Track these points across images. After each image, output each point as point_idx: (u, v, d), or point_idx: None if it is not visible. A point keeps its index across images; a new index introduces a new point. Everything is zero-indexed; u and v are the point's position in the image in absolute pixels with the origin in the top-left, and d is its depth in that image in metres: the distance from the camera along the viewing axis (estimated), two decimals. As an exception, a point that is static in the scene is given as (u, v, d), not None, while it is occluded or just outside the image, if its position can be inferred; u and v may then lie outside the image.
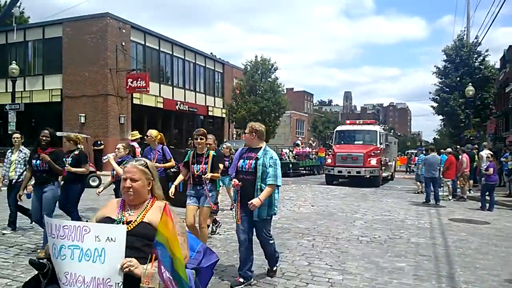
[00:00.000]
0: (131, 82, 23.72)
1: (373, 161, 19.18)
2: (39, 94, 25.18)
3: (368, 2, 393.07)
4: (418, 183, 17.75)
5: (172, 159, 7.76)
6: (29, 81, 25.63)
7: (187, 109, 30.10)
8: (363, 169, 19.07)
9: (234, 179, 5.02)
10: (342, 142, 21.17)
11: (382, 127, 22.33)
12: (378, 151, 19.99)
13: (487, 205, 12.54)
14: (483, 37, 47.20)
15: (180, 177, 6.49)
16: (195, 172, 6.17)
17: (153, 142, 7.81)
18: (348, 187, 18.64)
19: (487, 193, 12.74)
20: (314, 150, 31.10)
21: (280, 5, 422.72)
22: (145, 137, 7.96)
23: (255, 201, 4.79)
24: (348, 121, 24.50)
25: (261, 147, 5.07)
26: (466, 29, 28.21)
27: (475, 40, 26.93)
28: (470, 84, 22.52)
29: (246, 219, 5.04)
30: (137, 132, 14.43)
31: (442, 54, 28.20)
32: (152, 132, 7.87)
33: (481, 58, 27.12)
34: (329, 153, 21.58)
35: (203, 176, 6.04)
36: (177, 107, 28.89)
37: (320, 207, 12.19)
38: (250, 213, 4.96)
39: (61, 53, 24.49)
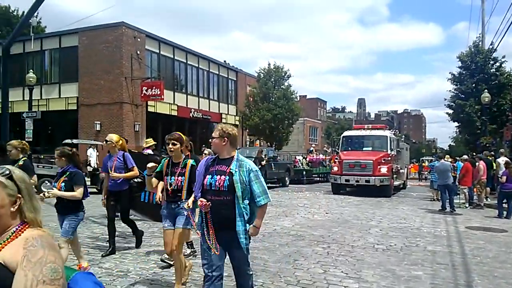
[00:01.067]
0: (146, 90, 23.96)
1: (384, 169, 17.81)
2: (56, 102, 25.55)
3: (383, 9, 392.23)
4: (433, 190, 17.62)
5: (136, 168, 6.72)
6: (46, 90, 26.03)
7: (201, 116, 30.27)
8: (373, 177, 17.66)
9: (201, 199, 3.71)
10: (350, 148, 19.83)
11: (393, 132, 21.27)
12: (389, 158, 18.65)
13: (505, 213, 12.36)
14: (499, 43, 46.73)
15: (162, 184, 5.19)
16: (169, 187, 5.01)
17: (113, 148, 6.86)
18: (357, 197, 17.51)
19: (504, 201, 12.56)
20: (328, 157, 30.98)
21: (294, 13, 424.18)
22: (105, 142, 7.02)
23: (253, 231, 3.82)
24: (356, 126, 23.25)
25: (233, 157, 3.86)
26: (481, 35, 27.95)
27: (491, 47, 26.65)
28: (486, 90, 22.25)
29: (221, 250, 3.79)
30: (151, 139, 14.56)
31: (457, 60, 27.93)
32: (112, 137, 6.98)
33: (498, 64, 26.79)
34: (336, 160, 19.98)
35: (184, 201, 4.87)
36: (191, 115, 29.08)
37: (334, 214, 12.12)
38: (225, 243, 3.78)
39: (77, 61, 24.86)
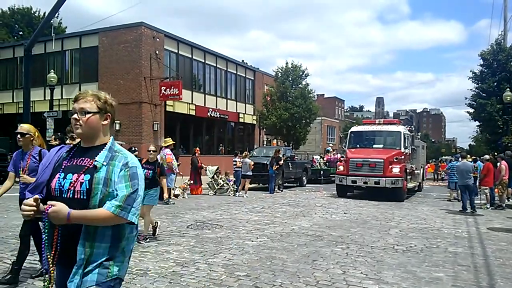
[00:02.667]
0: (165, 90, 24.13)
1: (396, 169, 15.89)
2: (76, 102, 25.87)
3: (403, 7, 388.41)
4: (451, 190, 17.40)
5: None
6: (66, 89, 26.40)
7: (219, 116, 30.37)
8: (383, 178, 15.78)
9: (50, 202, 2.23)
10: (358, 145, 17.82)
11: (408, 128, 19.07)
12: (402, 157, 16.70)
13: (528, 214, 12.12)
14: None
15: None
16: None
17: (28, 143, 5.17)
18: (365, 200, 15.81)
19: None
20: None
21: (313, 11, 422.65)
22: (19, 136, 5.15)
23: (54, 215, 2.19)
24: (365, 121, 21.12)
25: (105, 144, 2.45)
26: (503, 33, 27.48)
27: (513, 44, 26.18)
28: (508, 89, 21.85)
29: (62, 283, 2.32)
30: (170, 139, 14.76)
31: (479, 58, 27.51)
32: (28, 128, 5.22)
33: (520, 62, 26.30)
34: (342, 158, 18.13)
35: None
36: (208, 114, 29.19)
37: (353, 214, 12.03)
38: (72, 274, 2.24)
39: (97, 61, 25.17)
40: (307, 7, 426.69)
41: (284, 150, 21.03)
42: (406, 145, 17.26)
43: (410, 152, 18.00)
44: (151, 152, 7.92)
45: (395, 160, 16.17)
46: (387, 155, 16.19)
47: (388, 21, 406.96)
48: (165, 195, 13.25)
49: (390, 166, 15.89)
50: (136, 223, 2.33)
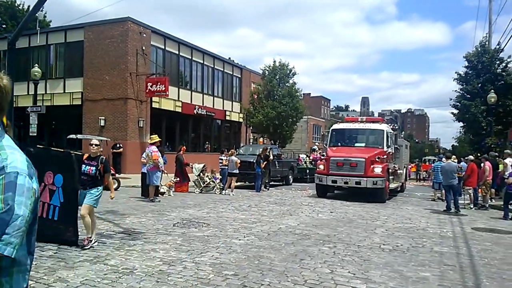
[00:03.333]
0: (151, 86, 23.91)
1: (378, 169, 15.24)
2: (60, 97, 25.53)
3: (391, 8, 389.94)
4: (435, 190, 17.59)
5: None
6: (51, 84, 26.01)
7: (205, 113, 30.21)
8: (364, 179, 15.15)
9: None
10: (339, 144, 17.16)
11: (391, 126, 18.62)
12: (385, 156, 16.08)
13: (510, 214, 12.29)
14: (506, 44, 46.64)
15: None
16: None
17: None
18: (345, 201, 15.16)
19: (510, 202, 12.48)
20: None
21: (301, 10, 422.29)
22: None
23: None
24: (347, 118, 20.22)
25: None
26: (488, 35, 27.80)
27: (498, 47, 26.50)
28: (492, 91, 22.12)
29: None
30: (156, 136, 14.60)
31: (464, 60, 27.77)
32: None
33: (504, 64, 26.63)
34: (322, 157, 17.40)
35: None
36: (195, 111, 29.02)
37: (339, 213, 12.07)
38: None
39: (82, 56, 24.82)
40: (296, 7, 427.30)
41: (272, 149, 20.99)
42: (389, 144, 16.71)
43: (393, 151, 17.50)
44: (93, 146, 7.13)
45: (377, 159, 15.60)
46: (369, 154, 15.63)
47: (376, 21, 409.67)
48: (150, 193, 13.26)
49: (371, 166, 15.31)
50: (12, 255, 1.51)
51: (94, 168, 6.94)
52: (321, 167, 16.50)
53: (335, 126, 18.75)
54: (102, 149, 7.43)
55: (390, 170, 16.69)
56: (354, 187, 15.69)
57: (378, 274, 5.97)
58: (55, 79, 26.11)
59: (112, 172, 16.71)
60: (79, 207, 6.83)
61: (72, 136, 16.86)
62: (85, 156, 7.15)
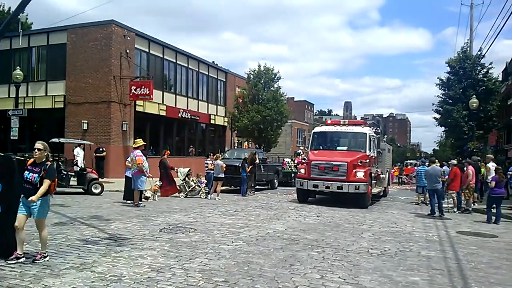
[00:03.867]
0: (135, 90, 23.64)
1: (360, 173, 14.81)
2: (42, 100, 25.09)
3: (373, 14, 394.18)
4: (418, 194, 17.74)
5: None
6: (32, 87, 25.55)
7: (189, 117, 30.02)
8: (346, 183, 14.73)
9: None
10: (321, 147, 16.77)
11: (374, 129, 18.26)
12: (367, 160, 15.64)
13: (493, 218, 12.46)
14: (487, 50, 47.54)
15: None
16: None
17: None
18: (323, 208, 14.53)
19: (493, 206, 12.66)
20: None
21: (285, 15, 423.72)
22: None
23: None
24: (329, 121, 19.76)
25: None
26: (469, 41, 28.31)
27: (479, 53, 27.02)
28: (474, 96, 22.50)
29: None
30: (141, 139, 14.45)
31: (446, 66, 28.26)
32: None
33: (485, 70, 27.16)
34: (304, 161, 16.90)
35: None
36: (179, 115, 28.82)
37: (325, 218, 12.07)
38: None
39: (65, 59, 24.43)
40: (280, 11, 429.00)
41: (258, 153, 20.94)
42: (372, 147, 16.33)
43: (375, 155, 17.14)
44: (36, 151, 6.29)
45: (359, 163, 15.17)
46: (351, 158, 15.20)
47: (359, 26, 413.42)
48: (135, 198, 13.09)
49: (354, 170, 14.89)
50: None
51: (36, 175, 6.15)
52: (302, 171, 16.06)
53: (317, 129, 18.20)
54: (49, 154, 6.69)
55: (372, 175, 16.32)
56: (336, 192, 15.22)
57: (368, 279, 5.97)
58: (37, 81, 25.65)
59: (95, 176, 16.58)
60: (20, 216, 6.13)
61: (55, 139, 16.54)
62: (29, 161, 6.42)
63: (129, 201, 13.40)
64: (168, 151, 18.11)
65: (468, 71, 26.75)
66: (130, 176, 13.45)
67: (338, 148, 16.56)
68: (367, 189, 15.05)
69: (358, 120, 20.03)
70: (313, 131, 18.25)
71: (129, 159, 13.81)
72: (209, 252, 7.09)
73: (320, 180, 15.24)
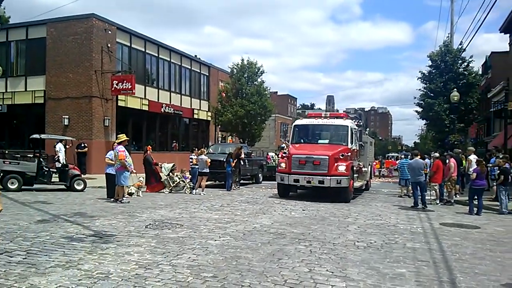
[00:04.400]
0: (117, 84, 23.36)
1: (342, 167, 14.43)
2: (22, 96, 24.64)
3: (355, 8, 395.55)
4: (401, 187, 17.96)
5: None
6: (11, 82, 25.06)
7: (173, 111, 29.82)
8: (328, 177, 14.35)
9: None
10: (302, 141, 16.45)
11: (356, 122, 17.85)
12: (349, 154, 15.27)
13: (475, 209, 12.68)
14: (468, 44, 48.30)
15: None
16: None
17: None
18: (308, 201, 14.45)
19: (475, 198, 12.88)
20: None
21: (268, 9, 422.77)
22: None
23: None
24: (311, 114, 19.18)
25: None
26: (450, 35, 28.66)
27: (460, 46, 27.37)
28: (455, 89, 22.80)
29: None
30: (124, 135, 14.25)
31: (427, 59, 28.56)
32: None
33: (465, 64, 27.54)
34: (284, 155, 16.60)
35: None
36: (162, 110, 28.60)
37: (311, 211, 12.13)
38: None
39: (44, 54, 24.02)
40: (262, 5, 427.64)
41: (242, 148, 20.93)
42: (354, 140, 16.05)
43: (357, 148, 16.92)
44: None
45: (341, 157, 14.77)
46: (333, 152, 14.82)
47: (341, 21, 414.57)
48: (118, 193, 12.91)
49: (335, 164, 14.52)
50: None
51: None
52: (283, 165, 15.57)
53: (298, 122, 17.74)
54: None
55: (354, 168, 15.97)
56: (317, 186, 14.85)
57: (355, 271, 6.01)
58: (16, 77, 25.17)
59: (78, 172, 16.35)
60: None
61: (36, 136, 16.24)
62: None
63: (112, 199, 13.24)
64: (150, 146, 17.97)
65: (449, 64, 27.08)
66: (112, 172, 13.26)
67: (320, 141, 16.26)
68: (349, 183, 14.75)
69: (339, 113, 19.09)
70: (293, 124, 17.80)
71: (110, 155, 13.61)
72: (196, 248, 7.05)
73: (301, 174, 14.87)
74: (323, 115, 17.48)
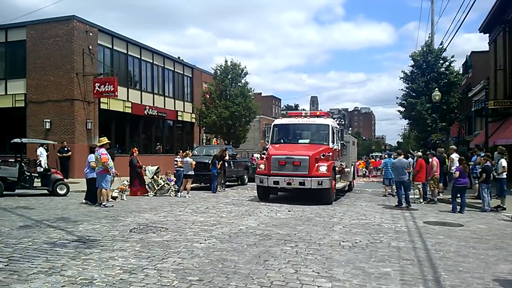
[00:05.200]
0: (99, 87, 23.09)
1: (323, 168, 13.93)
2: (2, 99, 24.16)
3: (338, 9, 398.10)
4: (385, 186, 18.12)
5: None
6: (-9, 86, 24.59)
7: (156, 114, 29.59)
8: (308, 178, 13.84)
9: None
10: (282, 141, 15.91)
11: (338, 121, 17.54)
12: (330, 154, 14.82)
13: (458, 207, 12.84)
14: (449, 43, 48.93)
15: None
16: None
17: None
18: (288, 204, 13.93)
19: (458, 196, 13.04)
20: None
21: (252, 10, 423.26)
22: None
23: None
24: (291, 113, 18.51)
25: None
26: (431, 35, 29.02)
27: (441, 46, 27.73)
28: (436, 89, 23.08)
29: None
30: (105, 137, 14.11)
31: (409, 59, 28.88)
32: None
33: (447, 63, 27.91)
34: (263, 155, 15.81)
35: None
36: (145, 112, 28.36)
37: (297, 212, 12.15)
38: None
39: (25, 56, 23.62)
40: (245, 6, 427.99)
41: (227, 149, 20.88)
42: (335, 140, 15.60)
43: (339, 148, 16.50)
44: None
45: (322, 157, 14.23)
46: (313, 152, 14.29)
47: (324, 22, 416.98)
48: (100, 197, 12.74)
49: (316, 164, 14.00)
50: None
51: None
52: (262, 166, 14.90)
53: (277, 121, 17.16)
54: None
55: (336, 169, 15.58)
56: (298, 188, 14.37)
57: (341, 271, 6.03)
58: (-4, 80, 24.70)
59: (60, 177, 16.11)
60: None
61: (17, 140, 15.96)
62: None
63: (90, 202, 13.05)
64: (136, 149, 17.81)
65: (431, 64, 27.42)
66: (93, 176, 13.08)
67: (300, 141, 15.76)
68: (331, 184, 14.28)
69: (320, 111, 18.26)
70: (273, 123, 17.22)
71: (91, 158, 13.40)
72: (182, 251, 7.00)
73: (281, 175, 14.31)
74: (303, 114, 16.97)
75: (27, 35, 23.68)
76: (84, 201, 13.40)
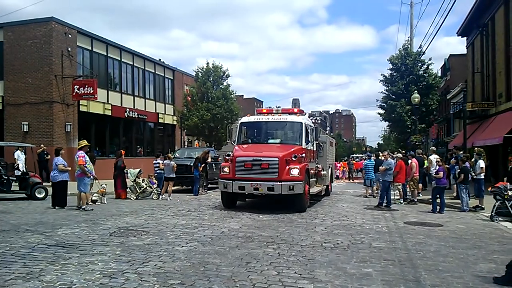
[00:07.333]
0: (78, 89, 22.80)
1: (295, 171, 12.33)
2: (-23, 102, 23.69)
3: (321, 12, 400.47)
4: (366, 187, 18.30)
5: None
6: (-34, 88, 24.05)
7: (137, 116, 29.32)
8: (278, 183, 12.16)
9: None
10: (250, 141, 14.45)
11: (313, 119, 15.24)
12: (303, 155, 13.23)
13: (438, 207, 13.02)
14: (427, 47, 49.76)
15: None
16: None
17: None
18: (257, 214, 11.99)
19: (437, 196, 13.22)
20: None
21: (235, 13, 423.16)
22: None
23: None
24: (259, 110, 16.16)
25: None
26: (410, 39, 29.47)
27: (419, 50, 28.19)
28: (416, 91, 23.43)
29: None
30: (85, 140, 13.94)
31: (388, 63, 29.24)
32: None
33: (425, 66, 28.37)
34: (228, 157, 13.66)
35: None
36: (126, 114, 28.08)
37: (279, 214, 12.14)
38: None
39: (2, 58, 23.19)
40: (229, 9, 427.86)
41: (210, 152, 20.80)
42: (309, 139, 14.11)
43: (314, 148, 15.10)
44: None
45: (293, 158, 12.60)
46: (284, 153, 12.65)
47: (307, 25, 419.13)
48: (80, 201, 12.52)
49: (287, 167, 12.37)
50: None
51: None
52: (226, 170, 13.08)
53: (245, 119, 15.11)
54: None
55: (311, 171, 14.11)
56: (267, 194, 12.64)
57: (323, 272, 6.05)
58: (-29, 82, 24.17)
59: (39, 180, 15.82)
60: None
61: (-7, 143, 15.67)
62: None
63: (57, 207, 12.71)
64: (123, 151, 17.69)
65: (409, 67, 27.83)
66: (62, 179, 12.79)
67: (270, 141, 14.27)
68: (304, 189, 12.65)
69: (292, 108, 15.94)
70: (240, 121, 15.45)
71: (58, 161, 13.05)
72: (163, 255, 6.92)
73: (247, 180, 12.53)
74: (274, 111, 15.12)
75: (4, 36, 23.26)
76: (51, 207, 12.83)
